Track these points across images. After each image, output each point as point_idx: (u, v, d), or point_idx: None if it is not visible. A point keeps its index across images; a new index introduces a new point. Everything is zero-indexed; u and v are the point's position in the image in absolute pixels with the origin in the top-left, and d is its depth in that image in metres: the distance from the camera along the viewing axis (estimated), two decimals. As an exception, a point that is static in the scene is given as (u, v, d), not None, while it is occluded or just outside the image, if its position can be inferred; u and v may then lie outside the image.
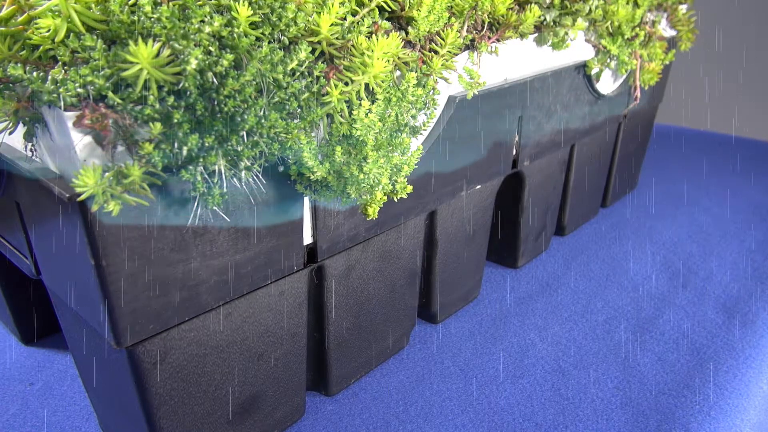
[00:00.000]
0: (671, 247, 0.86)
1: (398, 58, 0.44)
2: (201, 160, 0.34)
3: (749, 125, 1.50)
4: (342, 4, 0.40)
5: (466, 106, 0.54)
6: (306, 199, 0.46)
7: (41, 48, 0.33)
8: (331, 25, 0.39)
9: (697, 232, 0.90)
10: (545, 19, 0.61)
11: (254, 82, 0.34)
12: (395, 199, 0.45)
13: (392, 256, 0.57)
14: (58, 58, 0.33)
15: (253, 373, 0.48)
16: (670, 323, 0.69)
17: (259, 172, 0.39)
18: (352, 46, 0.41)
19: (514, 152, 0.66)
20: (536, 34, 0.62)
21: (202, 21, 0.33)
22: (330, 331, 0.54)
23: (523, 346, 0.65)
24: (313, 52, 0.39)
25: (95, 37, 0.32)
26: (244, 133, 0.35)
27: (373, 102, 0.41)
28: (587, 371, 0.61)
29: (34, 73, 0.32)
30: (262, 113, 0.35)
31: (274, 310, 0.48)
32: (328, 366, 0.56)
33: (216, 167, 0.35)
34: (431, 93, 0.46)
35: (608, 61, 0.73)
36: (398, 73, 0.45)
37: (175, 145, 0.33)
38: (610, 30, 0.71)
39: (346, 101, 0.41)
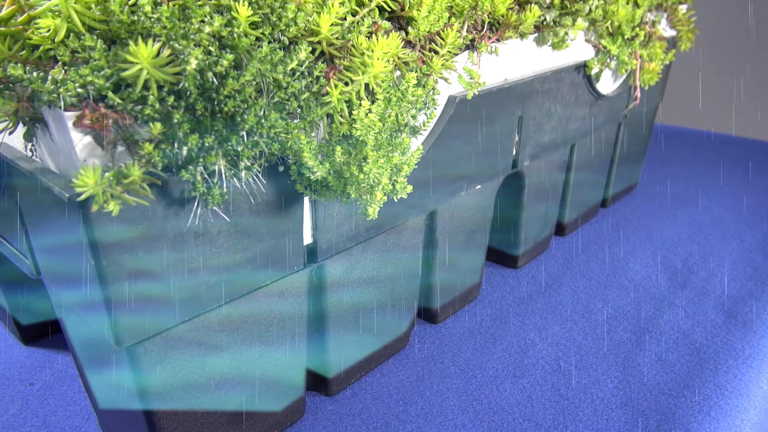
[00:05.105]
0: (671, 247, 0.86)
1: (398, 58, 0.44)
2: (201, 160, 0.34)
3: (749, 125, 1.50)
4: (342, 4, 0.40)
5: (466, 106, 0.54)
6: (306, 199, 0.46)
7: (41, 48, 0.33)
8: (331, 25, 0.39)
9: (697, 232, 0.90)
10: (545, 19, 0.61)
11: (254, 82, 0.34)
12: (395, 199, 0.45)
13: (392, 256, 0.57)
14: (58, 58, 0.33)
15: (253, 372, 0.48)
16: (670, 323, 0.69)
17: (259, 172, 0.39)
18: (352, 46, 0.41)
19: (514, 152, 0.66)
20: (536, 34, 0.62)
21: (202, 21, 0.33)
22: (330, 331, 0.54)
23: (523, 346, 0.65)
24: (313, 52, 0.39)
25: (95, 37, 0.32)
26: (244, 133, 0.35)
27: (373, 102, 0.41)
28: (587, 371, 0.61)
29: (34, 73, 0.32)
30: (262, 113, 0.35)
31: (274, 310, 0.48)
32: (328, 366, 0.56)
33: (216, 167, 0.35)
34: (431, 93, 0.46)
35: (608, 61, 0.73)
36: (398, 73, 0.45)
37: (175, 145, 0.33)
38: (610, 30, 0.71)
39: (346, 101, 0.40)
